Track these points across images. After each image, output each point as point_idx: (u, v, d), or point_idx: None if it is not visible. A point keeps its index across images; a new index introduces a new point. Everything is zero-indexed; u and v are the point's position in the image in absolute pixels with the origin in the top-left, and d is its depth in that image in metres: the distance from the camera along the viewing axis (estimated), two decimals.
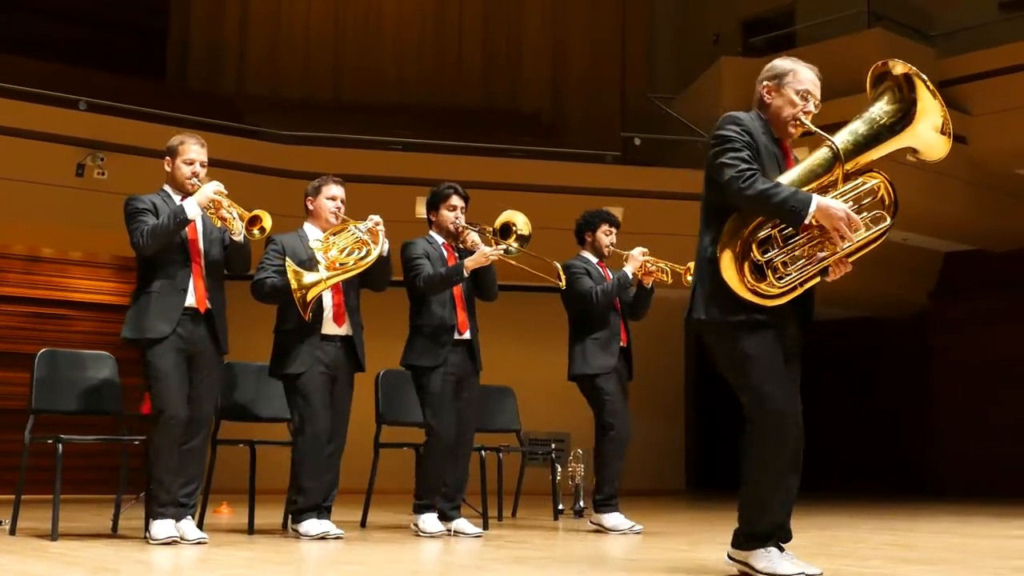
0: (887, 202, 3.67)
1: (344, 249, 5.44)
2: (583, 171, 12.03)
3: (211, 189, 5.06)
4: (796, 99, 3.77)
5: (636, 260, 6.39)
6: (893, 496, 11.97)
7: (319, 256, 5.38)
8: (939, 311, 13.82)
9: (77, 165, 9.70)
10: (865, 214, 3.64)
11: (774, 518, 3.67)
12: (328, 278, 5.33)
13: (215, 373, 5.24)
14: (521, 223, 5.92)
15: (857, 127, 3.67)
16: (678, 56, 16.14)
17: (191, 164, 5.16)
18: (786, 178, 3.65)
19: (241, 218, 5.07)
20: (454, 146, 11.78)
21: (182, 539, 4.99)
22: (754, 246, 3.60)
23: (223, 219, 5.10)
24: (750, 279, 3.59)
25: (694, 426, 14.40)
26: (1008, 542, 5.90)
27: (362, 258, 5.41)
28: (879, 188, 3.67)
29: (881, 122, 3.64)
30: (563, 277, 6.15)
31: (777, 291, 3.58)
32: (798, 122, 3.77)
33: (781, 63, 3.86)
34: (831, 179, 3.65)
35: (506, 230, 5.92)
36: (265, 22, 14.65)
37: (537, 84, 15.52)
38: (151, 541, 4.88)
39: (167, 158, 5.22)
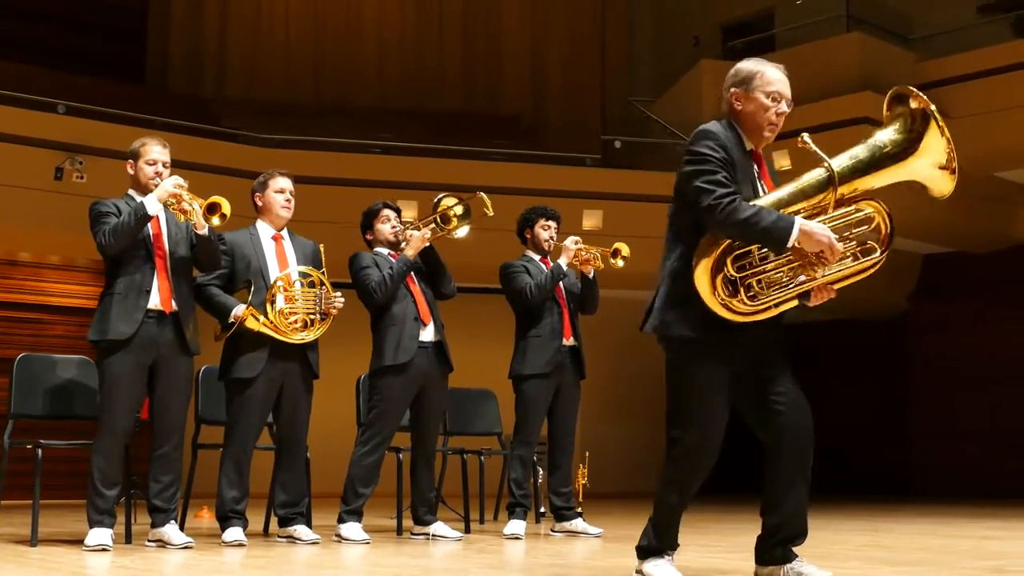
0: (882, 233, 3.47)
1: (294, 313, 5.31)
2: (563, 174, 12.04)
3: (170, 183, 4.95)
4: (767, 101, 3.55)
5: (569, 250, 6.21)
6: (871, 498, 12.02)
7: (276, 293, 5.29)
8: (918, 313, 13.90)
9: (56, 169, 9.66)
10: (854, 244, 3.46)
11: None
12: (262, 324, 5.26)
13: (182, 376, 5.12)
14: (453, 202, 5.86)
15: (858, 151, 3.46)
16: (658, 59, 16.18)
17: (153, 164, 5.09)
18: (774, 196, 3.46)
19: (200, 207, 4.98)
20: (434, 149, 11.77)
21: (168, 544, 4.98)
22: (729, 261, 3.42)
23: (184, 212, 4.98)
24: (722, 292, 3.41)
25: None
26: (985, 543, 5.93)
27: (297, 329, 5.32)
28: (874, 217, 3.47)
29: (884, 150, 3.43)
30: (488, 204, 5.87)
31: (748, 309, 3.41)
32: (773, 126, 3.57)
33: (746, 65, 3.64)
34: (822, 202, 3.45)
35: (445, 218, 5.86)
36: (244, 25, 14.62)
37: (517, 87, 15.54)
38: (83, 547, 4.81)
39: (130, 161, 5.16)
